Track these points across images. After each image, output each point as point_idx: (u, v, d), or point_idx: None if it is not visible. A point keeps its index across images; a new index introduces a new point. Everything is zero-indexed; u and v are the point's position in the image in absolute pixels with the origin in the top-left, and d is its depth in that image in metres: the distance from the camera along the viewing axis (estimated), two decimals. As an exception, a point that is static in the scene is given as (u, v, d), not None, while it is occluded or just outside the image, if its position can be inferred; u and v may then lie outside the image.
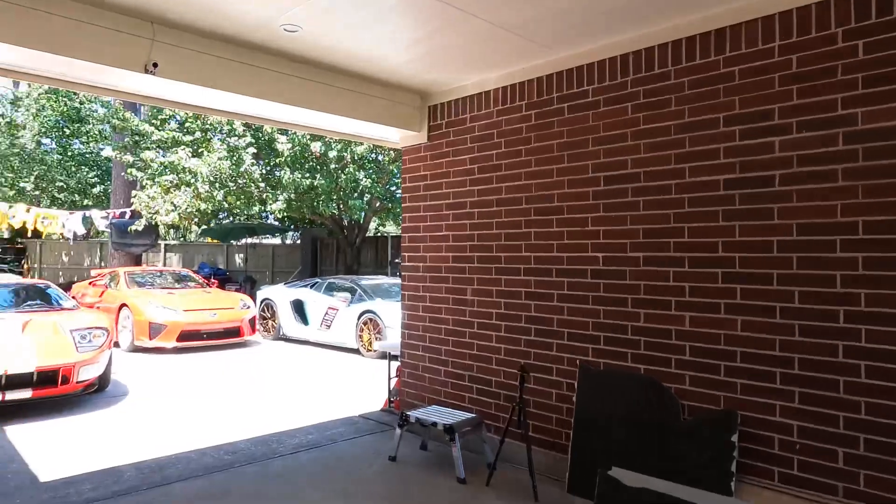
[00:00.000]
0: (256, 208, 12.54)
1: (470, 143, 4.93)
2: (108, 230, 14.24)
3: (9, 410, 5.65)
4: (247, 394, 6.85)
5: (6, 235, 24.08)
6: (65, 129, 20.54)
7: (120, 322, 9.87)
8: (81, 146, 20.25)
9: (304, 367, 8.61)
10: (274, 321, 11.28)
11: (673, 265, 3.70)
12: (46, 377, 5.61)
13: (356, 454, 4.68)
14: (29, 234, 17.02)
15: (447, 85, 5.00)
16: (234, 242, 22.34)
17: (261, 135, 12.89)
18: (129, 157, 12.67)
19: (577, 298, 4.17)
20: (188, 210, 11.25)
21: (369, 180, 12.20)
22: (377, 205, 14.65)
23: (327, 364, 8.88)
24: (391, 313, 9.31)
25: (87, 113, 20.73)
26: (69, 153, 20.74)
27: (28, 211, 11.76)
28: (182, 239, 24.98)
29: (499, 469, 4.16)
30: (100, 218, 12.56)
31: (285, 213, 12.74)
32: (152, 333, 9.38)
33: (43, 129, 20.12)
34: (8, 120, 19.15)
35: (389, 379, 6.02)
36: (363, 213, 13.59)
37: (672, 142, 3.72)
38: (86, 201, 20.84)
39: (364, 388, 7.10)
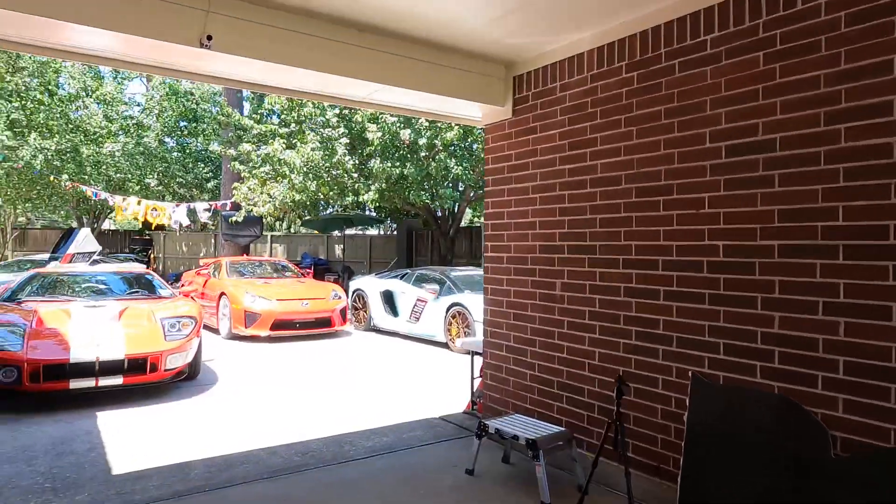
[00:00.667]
0: (349, 199, 12.54)
1: (560, 115, 4.29)
2: (210, 221, 14.88)
3: (103, 396, 5.82)
4: (330, 386, 6.67)
5: (137, 228, 26.45)
6: (183, 129, 22.05)
7: (220, 310, 10.21)
8: (199, 144, 21.63)
9: (391, 360, 8.37)
10: (365, 312, 11.21)
11: (821, 256, 2.88)
12: (136, 364, 5.71)
13: (431, 464, 4.25)
14: (141, 225, 18.46)
15: (534, 51, 4.39)
16: (334, 234, 22.96)
17: (353, 125, 12.88)
18: (232, 151, 13.16)
19: (689, 297, 3.44)
20: (283, 201, 11.43)
21: (460, 168, 11.76)
22: (470, 194, 14.23)
23: (414, 358, 8.59)
24: (481, 307, 8.84)
25: (202, 113, 22.12)
26: (187, 150, 22.25)
27: (139, 203, 12.59)
28: (287, 230, 26.10)
29: (591, 493, 3.54)
30: (202, 210, 13.20)
31: (378, 203, 12.63)
32: (248, 322, 9.57)
33: (165, 130, 21.72)
34: (135, 122, 20.82)
35: (472, 379, 5.54)
36: (455, 203, 13.18)
37: (821, 97, 2.89)
38: (203, 195, 22.31)
39: (449, 385, 6.69)
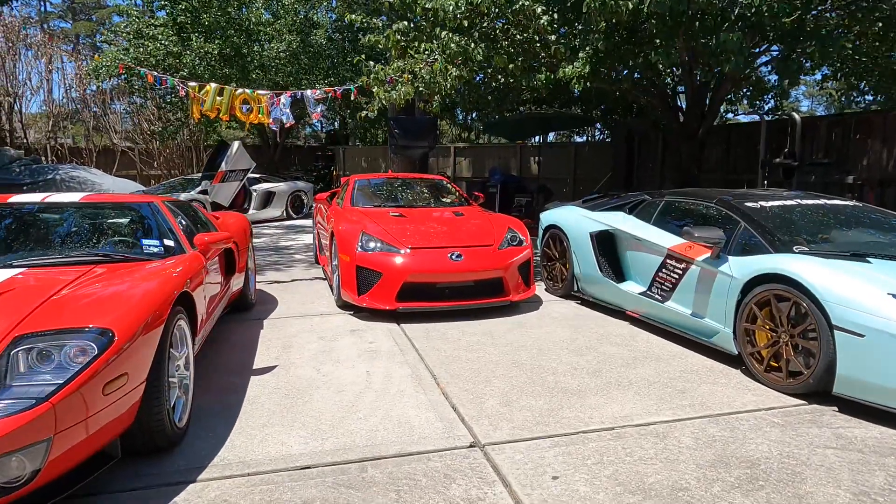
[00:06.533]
0: (541, 77, 7.65)
1: None
2: (325, 116, 11.00)
3: None
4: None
5: (323, 143, 24.72)
6: (352, 23, 18.78)
7: (331, 259, 6.46)
8: (371, 36, 18.22)
9: (619, 382, 3.68)
10: (564, 265, 6.57)
11: None
12: None
13: None
14: (223, 124, 16.11)
15: None
16: (528, 143, 18.25)
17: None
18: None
19: None
20: (431, 80, 7.01)
21: (757, -6, 5.99)
22: (754, 56, 8.22)
23: (670, 379, 3.79)
24: (855, 292, 3.50)
25: (377, 5, 18.47)
26: (358, 48, 19.02)
27: (221, 93, 9.05)
28: (474, 142, 22.05)
29: None
30: (314, 100, 9.40)
31: (587, 82, 7.54)
32: (360, 286, 5.62)
33: (335, 27, 18.69)
34: (303, 16, 17.98)
35: None
36: (734, 60, 7.24)
37: None
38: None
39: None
